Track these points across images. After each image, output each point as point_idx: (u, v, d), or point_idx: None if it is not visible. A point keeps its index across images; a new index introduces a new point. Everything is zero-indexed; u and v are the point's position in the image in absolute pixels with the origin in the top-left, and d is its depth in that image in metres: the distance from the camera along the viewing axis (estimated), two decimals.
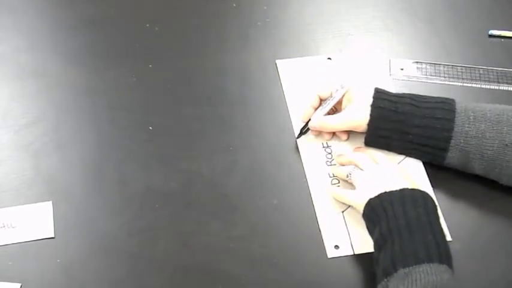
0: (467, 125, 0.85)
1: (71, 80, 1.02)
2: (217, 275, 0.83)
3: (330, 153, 0.94)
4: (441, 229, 0.78)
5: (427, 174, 0.92)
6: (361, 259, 0.84)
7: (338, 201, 0.88)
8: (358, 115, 0.89)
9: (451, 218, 0.88)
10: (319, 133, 0.95)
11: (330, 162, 0.93)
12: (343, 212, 0.88)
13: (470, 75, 1.04)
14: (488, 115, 0.86)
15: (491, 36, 1.10)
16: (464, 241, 0.86)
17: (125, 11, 1.13)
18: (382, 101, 0.88)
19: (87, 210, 0.88)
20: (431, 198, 0.80)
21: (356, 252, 0.85)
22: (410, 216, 0.77)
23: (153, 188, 0.90)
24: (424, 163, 0.92)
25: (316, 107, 0.94)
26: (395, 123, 0.88)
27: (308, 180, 0.91)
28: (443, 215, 0.87)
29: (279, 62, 1.05)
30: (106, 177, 0.91)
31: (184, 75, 1.03)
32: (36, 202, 0.88)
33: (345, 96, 0.92)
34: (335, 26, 1.11)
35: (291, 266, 0.84)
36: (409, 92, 0.93)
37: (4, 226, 0.85)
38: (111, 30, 1.10)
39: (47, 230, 0.85)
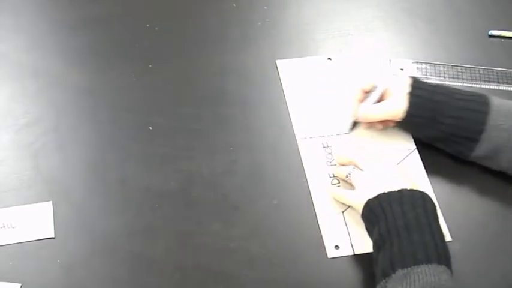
0: (501, 119, 0.86)
1: (72, 80, 1.02)
2: (217, 275, 0.83)
3: (330, 153, 0.94)
4: (440, 230, 0.78)
5: (427, 174, 0.92)
6: (361, 259, 0.84)
7: (338, 201, 0.88)
8: (397, 104, 0.90)
9: (451, 218, 0.88)
10: (370, 124, 0.96)
11: (330, 162, 0.93)
12: (343, 212, 0.88)
13: (471, 76, 1.04)
14: None
15: (491, 36, 1.10)
16: (464, 241, 0.86)
17: (125, 11, 1.13)
18: (419, 90, 0.90)
19: (87, 210, 0.88)
20: (431, 199, 0.80)
21: (356, 253, 0.85)
22: (409, 216, 0.77)
23: (153, 188, 0.90)
24: (424, 164, 0.92)
25: (361, 99, 0.95)
26: (431, 111, 0.89)
27: (308, 180, 0.91)
28: (443, 215, 0.87)
29: (279, 62, 1.05)
30: (106, 177, 0.92)
31: (184, 75, 1.03)
32: (36, 202, 0.88)
33: (385, 91, 0.94)
34: (335, 26, 1.11)
35: (291, 266, 0.84)
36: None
37: (4, 226, 0.85)
38: (112, 30, 1.10)
39: (47, 230, 0.85)
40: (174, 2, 1.15)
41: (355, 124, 0.95)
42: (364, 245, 0.85)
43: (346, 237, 0.86)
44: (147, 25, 1.10)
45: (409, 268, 0.73)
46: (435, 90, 0.90)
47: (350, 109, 0.96)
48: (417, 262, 0.73)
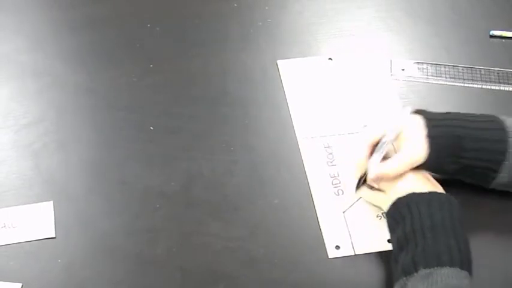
0: None
1: (72, 80, 1.03)
2: (217, 275, 0.82)
3: (331, 154, 0.94)
4: (465, 236, 0.77)
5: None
6: (362, 259, 0.84)
7: (367, 201, 0.87)
8: (416, 151, 0.82)
9: None
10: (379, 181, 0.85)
11: (331, 162, 0.93)
12: (344, 212, 0.88)
13: (471, 76, 1.04)
14: None
15: (492, 36, 1.10)
16: None
17: (126, 12, 1.13)
18: (436, 129, 0.83)
19: (88, 210, 0.88)
20: (458, 205, 0.80)
21: (357, 253, 0.85)
22: (436, 219, 0.77)
23: (153, 188, 0.90)
24: None
25: (368, 155, 0.84)
26: (451, 148, 0.84)
27: (309, 180, 0.91)
28: None
29: (280, 62, 1.05)
30: (107, 177, 0.92)
31: (185, 75, 1.03)
32: (37, 202, 0.88)
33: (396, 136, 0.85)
34: (336, 26, 1.11)
35: (291, 266, 0.84)
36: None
37: (5, 226, 0.85)
38: (112, 31, 1.10)
39: (48, 230, 0.85)
40: (175, 2, 1.15)
41: (363, 182, 0.85)
42: (365, 245, 0.85)
43: (347, 237, 0.86)
44: (148, 25, 1.10)
45: (432, 268, 0.73)
46: (451, 124, 0.84)
47: (355, 166, 0.86)
48: (441, 264, 0.73)
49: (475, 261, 0.76)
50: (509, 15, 1.14)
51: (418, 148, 0.83)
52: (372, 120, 0.86)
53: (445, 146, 0.83)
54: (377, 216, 0.88)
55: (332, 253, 0.84)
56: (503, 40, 1.10)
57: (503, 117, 0.86)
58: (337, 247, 0.85)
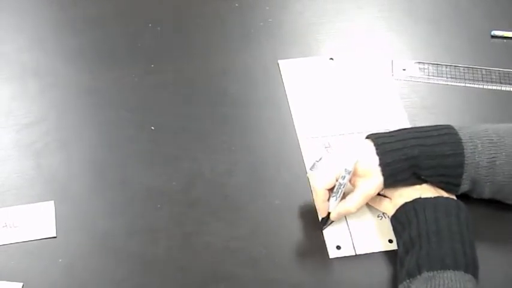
0: (477, 156, 0.83)
1: (73, 80, 1.03)
2: (218, 275, 0.82)
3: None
4: (471, 240, 0.77)
5: None
6: (363, 260, 0.84)
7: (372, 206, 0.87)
8: (374, 183, 0.83)
9: None
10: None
11: None
12: None
13: (473, 76, 1.04)
14: (495, 140, 0.83)
15: (493, 36, 1.10)
16: None
17: (127, 11, 1.13)
18: (390, 154, 0.82)
19: (89, 210, 0.88)
20: (465, 209, 0.80)
21: (358, 253, 0.84)
22: (441, 223, 0.77)
23: (154, 188, 0.90)
24: None
25: (327, 198, 0.85)
26: (409, 170, 0.83)
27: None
28: None
29: (281, 62, 1.05)
30: (108, 177, 0.92)
31: (186, 75, 1.04)
32: (38, 202, 0.88)
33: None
34: (337, 26, 1.11)
35: (292, 266, 0.84)
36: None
37: (6, 226, 0.85)
38: (113, 30, 1.10)
39: (49, 229, 0.85)
40: (176, 2, 1.15)
41: (328, 222, 0.86)
42: (366, 245, 0.85)
43: (348, 237, 0.86)
44: (149, 25, 1.10)
45: (435, 271, 0.73)
46: (405, 146, 0.83)
47: (320, 211, 0.86)
48: (444, 267, 0.73)
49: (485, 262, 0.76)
50: (511, 16, 1.13)
51: (374, 180, 0.83)
52: (322, 158, 0.85)
53: (401, 170, 0.83)
54: (378, 217, 0.88)
55: (333, 253, 0.84)
56: (505, 40, 1.10)
57: (457, 127, 0.85)
58: (338, 247, 0.85)
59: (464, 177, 0.84)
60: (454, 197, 0.83)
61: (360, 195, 0.84)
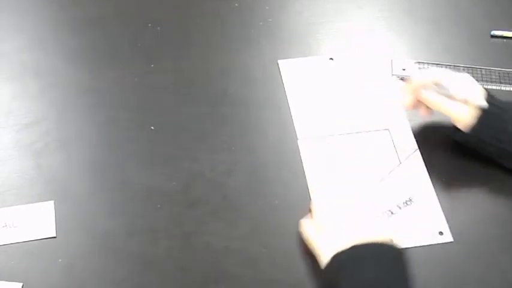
0: None
1: (73, 80, 1.03)
2: (217, 275, 0.83)
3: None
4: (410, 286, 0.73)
5: (429, 174, 0.92)
6: None
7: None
8: (466, 116, 0.88)
9: (452, 219, 0.88)
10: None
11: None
12: None
13: (473, 76, 1.03)
14: None
15: (493, 36, 1.10)
16: (464, 242, 0.86)
17: (127, 11, 1.13)
18: (492, 107, 0.87)
19: (89, 210, 0.88)
20: (401, 254, 0.75)
21: None
22: (378, 276, 0.73)
23: (154, 188, 0.90)
24: (425, 164, 0.93)
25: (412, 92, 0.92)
26: (495, 129, 0.86)
27: (309, 180, 0.91)
28: (445, 216, 0.87)
29: (281, 62, 1.05)
30: (108, 177, 0.92)
31: (186, 75, 1.04)
32: (38, 201, 0.88)
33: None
34: (337, 26, 1.11)
35: (292, 266, 0.84)
36: None
37: (6, 225, 0.85)
38: (113, 30, 1.10)
39: (49, 229, 0.85)
40: (176, 2, 1.15)
41: (403, 77, 0.93)
42: None
43: None
44: (149, 25, 1.10)
45: None
46: (505, 108, 0.87)
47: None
48: None
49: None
50: (511, 16, 1.13)
51: (467, 114, 0.87)
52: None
53: (490, 126, 0.86)
54: (377, 216, 0.88)
55: None
56: (505, 40, 1.10)
57: None
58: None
59: None
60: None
61: (450, 105, 0.89)
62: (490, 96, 0.88)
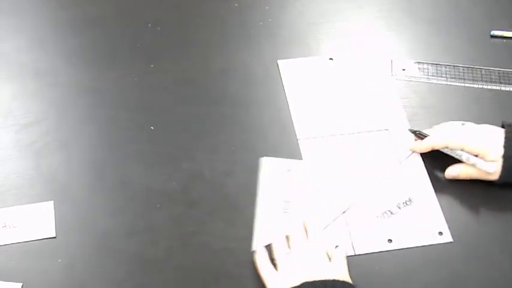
0: None
1: (73, 80, 1.03)
2: (217, 275, 0.83)
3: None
4: None
5: (428, 175, 0.92)
6: (362, 259, 0.84)
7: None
8: (491, 168, 0.87)
9: (452, 219, 0.88)
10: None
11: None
12: (344, 212, 0.88)
13: (472, 76, 1.04)
14: None
15: (493, 36, 1.10)
16: (464, 242, 0.86)
17: (127, 11, 1.13)
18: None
19: (88, 210, 0.88)
20: None
21: (357, 253, 0.85)
22: None
23: (154, 188, 0.90)
24: (425, 164, 0.92)
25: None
26: None
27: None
28: (444, 216, 0.87)
29: (281, 62, 1.05)
30: (107, 177, 0.92)
31: (185, 75, 1.03)
32: (37, 202, 0.88)
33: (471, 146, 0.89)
34: (337, 26, 1.11)
35: None
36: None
37: (5, 226, 0.85)
38: (113, 30, 1.10)
39: (49, 229, 0.85)
40: (176, 2, 1.15)
41: (417, 132, 0.93)
42: (365, 245, 0.85)
43: (347, 237, 0.86)
44: (149, 25, 1.10)
45: None
46: None
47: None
48: None
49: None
50: (510, 15, 1.13)
51: (492, 165, 0.87)
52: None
53: None
54: (377, 217, 0.88)
55: None
56: (504, 40, 1.10)
57: None
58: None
59: None
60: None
61: (474, 169, 0.88)
62: (509, 142, 0.87)
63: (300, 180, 0.90)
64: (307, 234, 0.84)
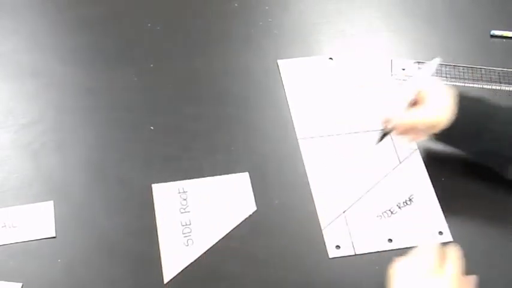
0: None
1: (72, 80, 1.02)
2: (217, 274, 0.82)
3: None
4: None
5: (428, 174, 0.92)
6: (362, 259, 0.84)
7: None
8: (440, 112, 0.81)
9: (452, 219, 0.87)
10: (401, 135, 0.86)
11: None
12: (344, 212, 0.88)
13: (472, 76, 1.04)
14: None
15: (493, 36, 1.10)
16: (464, 242, 0.86)
17: (126, 11, 1.13)
18: (467, 102, 0.83)
19: (88, 210, 0.88)
20: None
21: (357, 253, 0.85)
22: None
23: None
24: (425, 164, 0.92)
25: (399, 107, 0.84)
26: (476, 125, 0.82)
27: (309, 180, 0.91)
28: (444, 216, 0.87)
29: (281, 62, 1.05)
30: (107, 177, 0.91)
31: (185, 75, 1.03)
32: (37, 202, 0.88)
33: (419, 95, 0.84)
34: (337, 26, 1.11)
35: (292, 266, 0.84)
36: None
37: (5, 226, 0.85)
38: (112, 30, 1.10)
39: (48, 229, 0.85)
40: (176, 2, 1.14)
41: (384, 135, 0.85)
42: (366, 245, 0.85)
43: (347, 237, 0.86)
44: (149, 25, 1.10)
45: None
46: (482, 102, 0.84)
47: (380, 116, 0.85)
48: None
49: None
50: (510, 15, 1.13)
51: (442, 111, 0.82)
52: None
53: (471, 122, 0.82)
54: (377, 216, 0.88)
55: (332, 253, 0.84)
56: (504, 40, 1.10)
57: None
58: (338, 247, 0.85)
59: None
60: None
61: (423, 113, 0.81)
62: (461, 91, 0.84)
63: (199, 198, 0.89)
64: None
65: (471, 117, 0.82)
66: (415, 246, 0.84)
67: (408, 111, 0.83)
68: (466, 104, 0.82)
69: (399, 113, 0.83)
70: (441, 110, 0.82)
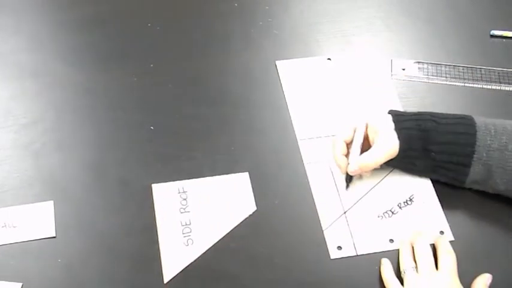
0: (489, 139, 0.83)
1: (72, 80, 1.02)
2: (218, 275, 0.82)
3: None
4: None
5: None
6: (364, 260, 0.84)
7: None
8: (391, 142, 0.86)
9: (453, 219, 0.87)
10: (360, 175, 0.91)
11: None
12: (345, 212, 0.88)
13: (472, 76, 1.04)
14: (509, 128, 0.84)
15: (492, 36, 1.10)
16: (464, 241, 0.86)
17: (126, 11, 1.13)
18: (404, 122, 0.87)
19: (88, 210, 0.88)
20: None
21: (359, 253, 0.84)
22: None
23: None
24: None
25: (346, 153, 0.89)
26: (420, 141, 0.86)
27: (309, 180, 0.91)
28: (445, 215, 0.87)
29: (279, 63, 1.05)
30: (107, 177, 0.91)
31: (185, 75, 1.03)
32: (37, 202, 0.88)
33: (369, 129, 0.89)
34: (337, 26, 1.11)
35: (292, 266, 0.84)
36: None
37: (5, 226, 0.85)
38: (112, 30, 1.10)
39: (48, 229, 0.85)
40: (175, 2, 1.14)
41: (350, 178, 0.90)
42: (367, 245, 0.85)
43: (348, 237, 0.86)
44: (148, 25, 1.10)
45: None
46: (420, 118, 0.87)
47: (339, 166, 0.90)
48: None
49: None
50: (510, 15, 1.14)
51: (390, 140, 0.87)
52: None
53: (414, 138, 0.86)
54: (378, 216, 0.88)
55: (334, 254, 0.84)
56: (504, 40, 1.10)
57: (477, 117, 0.87)
58: (339, 247, 0.85)
59: (474, 158, 0.84)
60: None
61: (377, 151, 0.87)
62: (399, 114, 0.89)
63: (199, 198, 0.89)
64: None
65: (414, 136, 0.86)
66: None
67: (368, 153, 0.87)
68: (407, 126, 0.87)
69: (358, 157, 0.88)
70: (389, 141, 0.87)
